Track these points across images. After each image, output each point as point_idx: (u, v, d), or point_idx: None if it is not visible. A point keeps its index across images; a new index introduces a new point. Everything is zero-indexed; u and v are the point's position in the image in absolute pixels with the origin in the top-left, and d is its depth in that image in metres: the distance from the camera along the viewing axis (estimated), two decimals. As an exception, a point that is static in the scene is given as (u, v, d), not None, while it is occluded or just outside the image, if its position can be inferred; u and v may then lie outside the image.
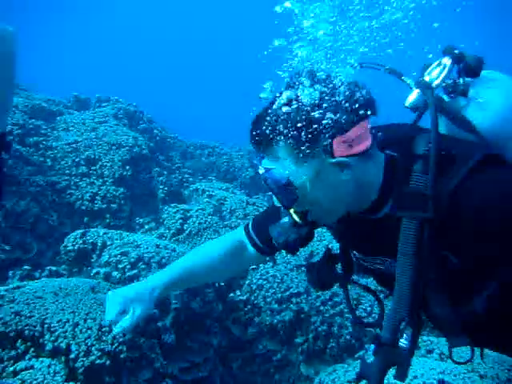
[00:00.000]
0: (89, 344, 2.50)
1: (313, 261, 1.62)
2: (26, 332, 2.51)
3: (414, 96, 1.35)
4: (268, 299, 3.71)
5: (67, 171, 4.89)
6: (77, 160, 4.97)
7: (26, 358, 2.43)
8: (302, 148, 1.20)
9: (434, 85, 1.33)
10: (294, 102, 1.19)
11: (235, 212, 4.75)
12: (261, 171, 1.27)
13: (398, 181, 1.27)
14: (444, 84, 1.35)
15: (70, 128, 5.34)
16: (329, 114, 1.18)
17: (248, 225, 1.77)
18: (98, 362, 2.46)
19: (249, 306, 3.76)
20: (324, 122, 1.18)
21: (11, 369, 2.25)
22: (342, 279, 1.58)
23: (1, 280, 3.34)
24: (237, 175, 6.78)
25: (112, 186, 4.85)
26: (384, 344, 1.33)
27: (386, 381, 1.34)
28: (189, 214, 4.58)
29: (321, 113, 1.18)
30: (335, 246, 1.68)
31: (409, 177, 1.23)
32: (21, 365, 2.27)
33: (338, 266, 1.57)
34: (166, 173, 5.37)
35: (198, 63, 38.76)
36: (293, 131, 1.19)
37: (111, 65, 35.70)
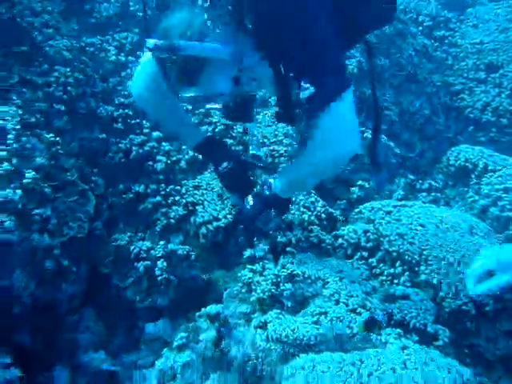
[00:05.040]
0: (459, 288, 2.70)
1: None
2: (406, 257, 2.83)
3: None
4: None
5: (465, 74, 4.83)
6: (477, 63, 4.82)
7: (402, 280, 2.77)
8: None
9: None
10: None
11: None
12: None
13: None
14: None
15: (480, 25, 5.12)
16: None
17: None
18: (463, 307, 2.66)
19: None
20: None
21: (391, 290, 2.60)
22: None
23: (390, 185, 3.70)
24: None
25: (507, 100, 4.62)
26: None
27: None
28: None
29: None
30: None
31: None
32: (399, 290, 2.60)
33: None
34: None
35: None
36: None
37: None
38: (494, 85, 4.72)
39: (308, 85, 1.89)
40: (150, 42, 1.71)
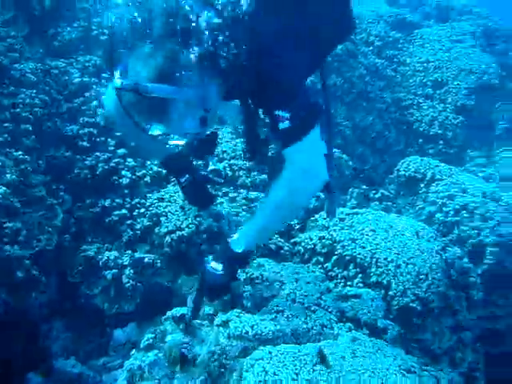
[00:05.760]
0: (406, 287, 2.91)
1: None
2: (358, 260, 3.03)
3: None
4: None
5: (413, 90, 5.15)
6: (424, 80, 5.16)
7: (355, 282, 2.97)
8: None
9: None
10: None
11: None
12: None
13: None
14: None
15: (426, 45, 5.46)
16: None
17: None
18: (411, 304, 2.87)
19: None
20: None
21: (344, 291, 2.80)
22: None
23: (344, 195, 3.93)
24: None
25: (452, 114, 4.95)
26: None
27: None
28: (524, 162, 4.47)
29: None
30: None
31: None
32: (351, 291, 2.80)
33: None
34: (510, 107, 5.18)
35: None
36: None
37: None
38: (440, 100, 5.05)
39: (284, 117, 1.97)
40: (117, 82, 1.76)
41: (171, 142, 2.09)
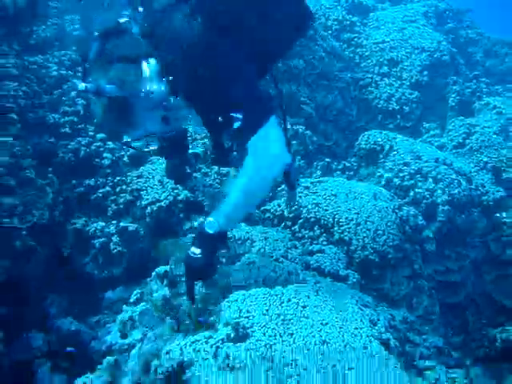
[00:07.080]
0: (365, 242, 3.26)
1: None
2: (322, 221, 3.37)
3: None
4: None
5: (371, 70, 5.49)
6: (381, 60, 5.50)
7: (320, 240, 3.31)
8: None
9: None
10: None
11: (522, 135, 4.83)
12: None
13: None
14: None
15: (381, 27, 5.80)
16: None
17: None
18: (370, 257, 3.22)
19: (514, 230, 4.10)
20: None
21: (310, 248, 3.14)
22: None
23: (309, 168, 4.26)
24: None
25: (408, 90, 5.31)
26: None
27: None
28: (473, 130, 4.85)
29: None
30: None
31: None
32: (316, 247, 3.14)
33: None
34: (461, 81, 5.56)
35: None
36: None
37: None
38: (396, 77, 5.40)
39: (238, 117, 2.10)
40: (82, 85, 1.99)
41: (145, 149, 2.35)
